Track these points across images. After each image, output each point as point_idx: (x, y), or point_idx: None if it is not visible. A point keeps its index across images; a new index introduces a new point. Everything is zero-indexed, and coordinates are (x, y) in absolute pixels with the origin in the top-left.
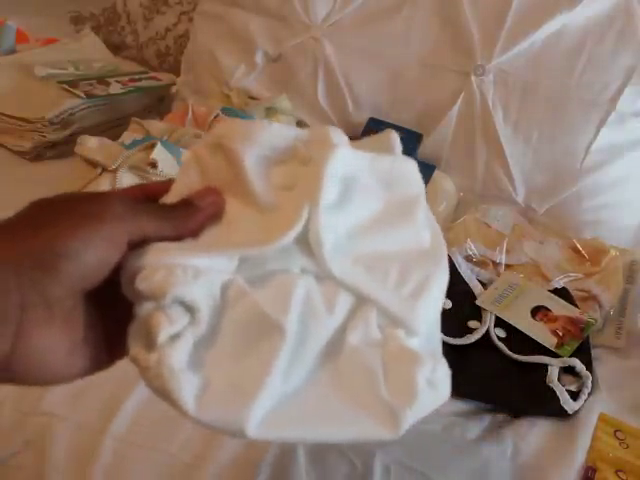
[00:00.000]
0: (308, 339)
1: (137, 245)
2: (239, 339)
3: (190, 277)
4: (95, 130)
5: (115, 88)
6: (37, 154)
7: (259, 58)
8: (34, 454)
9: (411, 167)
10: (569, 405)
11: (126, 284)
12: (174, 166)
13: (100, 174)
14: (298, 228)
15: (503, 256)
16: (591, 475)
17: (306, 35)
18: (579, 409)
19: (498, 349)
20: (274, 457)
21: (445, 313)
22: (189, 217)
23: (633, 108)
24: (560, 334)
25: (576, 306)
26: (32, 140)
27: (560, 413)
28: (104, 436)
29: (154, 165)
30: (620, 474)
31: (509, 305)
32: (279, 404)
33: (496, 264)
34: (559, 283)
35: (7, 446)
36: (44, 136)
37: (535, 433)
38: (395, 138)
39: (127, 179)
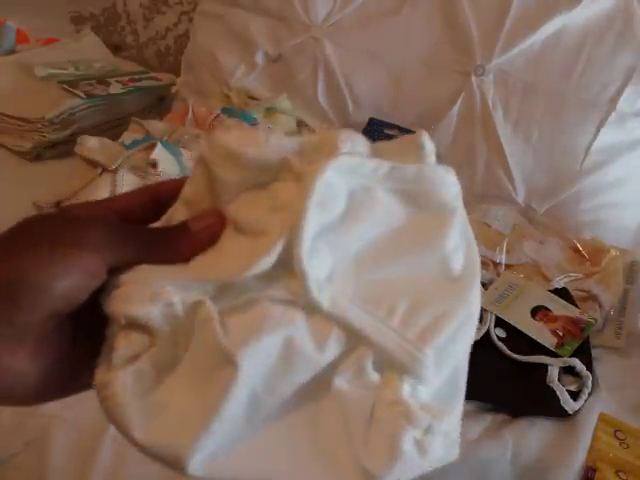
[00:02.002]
0: (283, 377)
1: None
2: (198, 368)
3: (148, 298)
4: (95, 130)
5: (115, 88)
6: (37, 154)
7: (259, 58)
8: (34, 455)
9: (444, 176)
10: (569, 405)
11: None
12: (174, 166)
13: (100, 174)
14: (269, 259)
15: (503, 256)
16: (591, 475)
17: (306, 35)
18: (579, 409)
19: (498, 349)
20: None
21: None
22: (180, 244)
23: (633, 108)
24: (560, 334)
25: (576, 306)
26: (32, 140)
27: (560, 413)
28: (104, 436)
29: (154, 165)
30: (620, 474)
31: (509, 305)
32: (239, 442)
33: (496, 264)
34: (559, 283)
35: (7, 447)
36: (44, 136)
37: (535, 433)
38: (425, 140)
39: (127, 179)
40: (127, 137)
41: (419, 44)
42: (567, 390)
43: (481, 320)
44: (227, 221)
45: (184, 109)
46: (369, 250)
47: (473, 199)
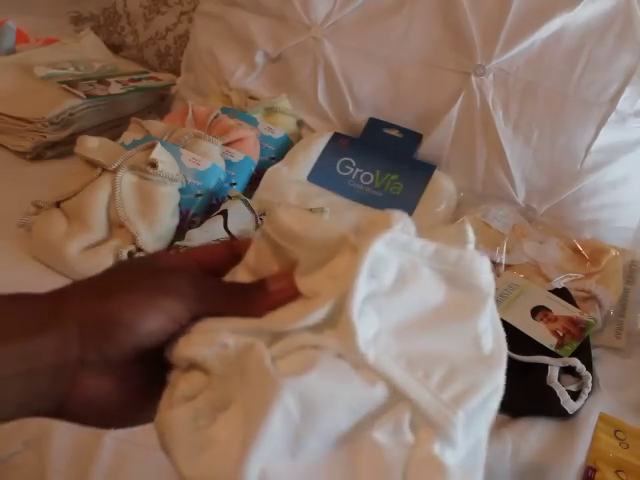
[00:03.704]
0: (325, 418)
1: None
2: (249, 406)
3: (205, 341)
4: (95, 130)
5: (115, 88)
6: (37, 154)
7: (259, 58)
8: (34, 454)
9: (481, 264)
10: (569, 405)
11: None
12: (174, 166)
13: (100, 174)
14: (320, 313)
15: (503, 256)
16: (591, 475)
17: (306, 35)
18: (579, 409)
19: None
20: None
21: None
22: (258, 301)
23: (633, 108)
24: (560, 334)
25: (576, 306)
26: (32, 140)
27: (560, 413)
28: (104, 436)
29: (154, 165)
30: (620, 474)
31: (509, 305)
32: (282, 476)
33: (496, 264)
34: (559, 283)
35: (7, 446)
36: (44, 136)
37: (535, 433)
38: (468, 230)
39: (127, 179)
40: (127, 137)
41: (419, 44)
42: (567, 390)
43: None
44: None
45: (184, 109)
46: (411, 319)
47: (473, 199)
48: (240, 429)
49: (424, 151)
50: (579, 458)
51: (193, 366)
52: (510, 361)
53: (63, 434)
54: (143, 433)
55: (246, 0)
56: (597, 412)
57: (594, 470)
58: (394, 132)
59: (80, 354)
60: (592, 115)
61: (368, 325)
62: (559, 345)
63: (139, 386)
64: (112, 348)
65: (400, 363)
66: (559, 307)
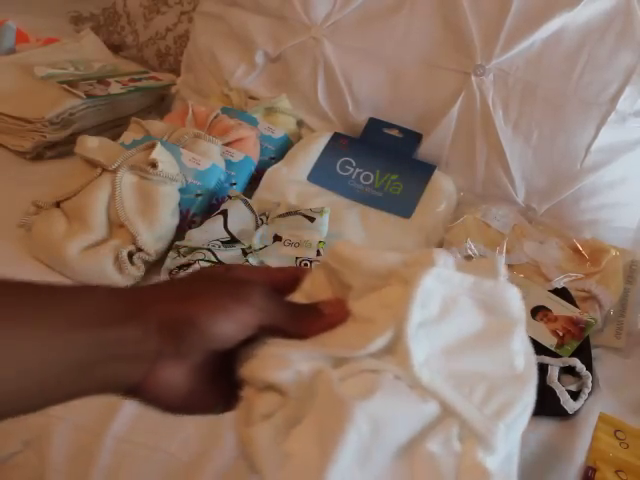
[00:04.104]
0: (388, 433)
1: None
2: (318, 424)
3: (281, 366)
4: (95, 130)
5: (115, 88)
6: (37, 154)
7: (259, 58)
8: (34, 454)
9: (513, 294)
10: (569, 405)
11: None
12: (174, 166)
13: (100, 174)
14: (381, 341)
15: (503, 256)
16: (591, 475)
17: (306, 35)
18: (579, 409)
19: None
20: None
21: None
22: (313, 322)
23: (633, 108)
24: (560, 334)
25: (576, 306)
26: (32, 140)
27: (560, 413)
28: (104, 436)
29: (154, 165)
30: (620, 474)
31: None
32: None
33: None
34: (559, 283)
35: (7, 446)
36: (44, 136)
37: (535, 433)
38: (500, 263)
39: (127, 179)
40: (127, 137)
41: (419, 44)
42: (567, 390)
43: None
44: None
45: (184, 109)
46: (455, 343)
47: (473, 199)
48: (313, 444)
49: (424, 151)
50: (579, 458)
51: (269, 387)
52: None
53: (63, 434)
54: (143, 433)
55: (246, 0)
56: (597, 412)
57: (594, 470)
58: (394, 132)
59: (158, 347)
60: (592, 115)
61: (421, 350)
62: (559, 345)
63: (204, 380)
64: (186, 347)
65: (449, 383)
66: (559, 307)
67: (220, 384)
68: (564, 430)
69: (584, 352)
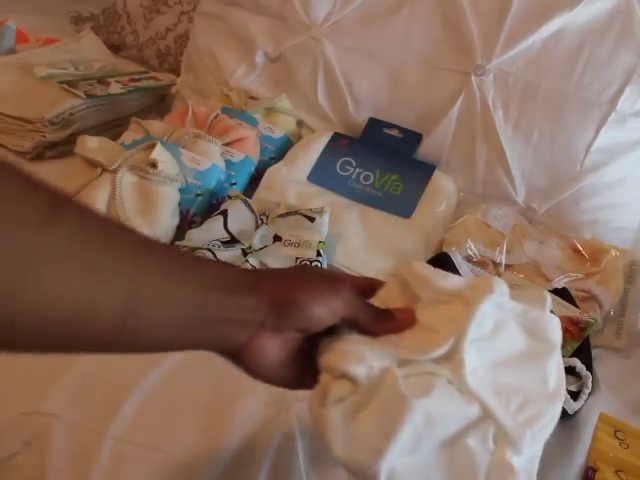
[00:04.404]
0: (438, 424)
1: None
2: (381, 411)
3: (356, 360)
4: (95, 130)
5: (115, 88)
6: (37, 154)
7: (259, 58)
8: (34, 454)
9: (554, 324)
10: (569, 405)
11: (319, 353)
12: (174, 166)
13: (100, 174)
14: (443, 350)
15: (503, 256)
16: (591, 475)
17: (306, 35)
18: (579, 409)
19: None
20: (274, 458)
21: None
22: (386, 323)
23: (633, 108)
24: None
25: (576, 306)
26: (32, 140)
27: (560, 413)
28: (104, 436)
29: (154, 165)
30: (620, 474)
31: None
32: (404, 465)
33: (496, 264)
34: (559, 283)
35: (7, 446)
36: (44, 136)
37: None
38: (547, 297)
39: (127, 179)
40: (127, 137)
41: (419, 44)
42: (567, 390)
43: None
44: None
45: (184, 109)
46: (500, 359)
47: (473, 199)
48: (375, 428)
49: (424, 151)
50: (579, 458)
51: (343, 376)
52: None
53: (63, 434)
54: (143, 433)
55: (246, 0)
56: (597, 412)
57: (594, 470)
58: (394, 132)
59: (263, 319)
60: (592, 115)
61: (472, 361)
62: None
63: (290, 356)
64: (285, 322)
65: (491, 391)
66: (559, 307)
67: (301, 364)
68: (564, 430)
69: (584, 352)
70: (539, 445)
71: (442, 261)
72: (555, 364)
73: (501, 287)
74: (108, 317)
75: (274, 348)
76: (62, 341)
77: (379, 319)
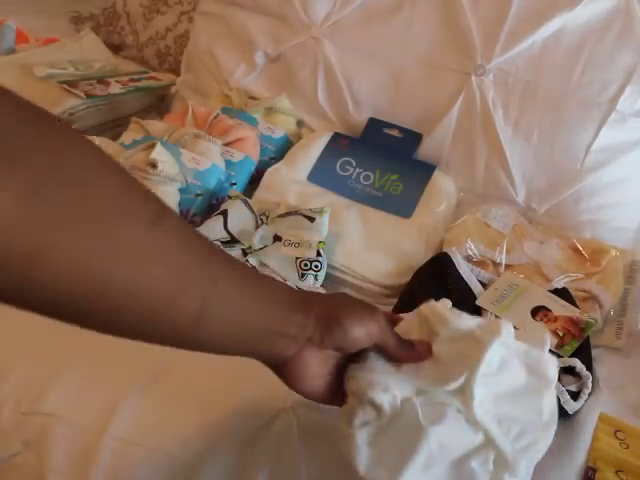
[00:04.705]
0: (448, 448)
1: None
2: (399, 435)
3: (382, 389)
4: (95, 130)
5: (115, 88)
6: None
7: (259, 58)
8: (34, 454)
9: (552, 363)
10: (569, 405)
11: (347, 376)
12: (174, 166)
13: None
14: (457, 383)
15: (503, 256)
16: (591, 475)
17: (306, 35)
18: (579, 409)
19: None
20: (274, 458)
21: None
22: (410, 352)
23: (633, 108)
24: (560, 334)
25: (576, 306)
26: None
27: (560, 413)
28: (104, 436)
29: (154, 165)
30: (620, 474)
31: (509, 305)
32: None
33: (496, 264)
34: (559, 283)
35: (7, 446)
36: None
37: None
38: (547, 338)
39: None
40: (127, 137)
41: (419, 44)
42: (567, 390)
43: None
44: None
45: (184, 109)
46: (502, 392)
47: (473, 199)
48: (395, 452)
49: (424, 151)
50: (579, 458)
51: (369, 402)
52: None
53: (63, 434)
54: (143, 433)
55: (246, 0)
56: (597, 412)
57: (594, 470)
58: (394, 132)
59: (311, 335)
60: (592, 115)
61: (479, 393)
62: (559, 345)
63: (327, 373)
64: (329, 339)
65: (494, 421)
66: (559, 307)
67: (334, 382)
68: (564, 430)
69: (584, 352)
70: (531, 466)
71: (442, 261)
72: (550, 398)
73: (508, 329)
74: (185, 314)
75: (315, 363)
76: (142, 329)
77: (404, 348)
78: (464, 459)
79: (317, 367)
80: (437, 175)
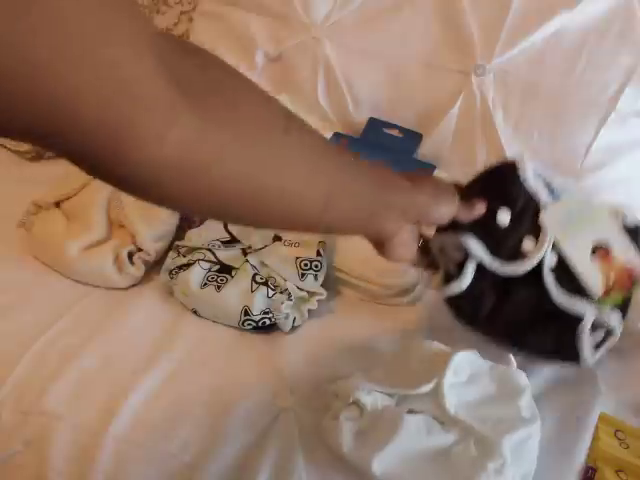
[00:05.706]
0: (426, 440)
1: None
2: (383, 425)
3: (366, 392)
4: None
5: None
6: (37, 154)
7: (259, 58)
8: (34, 454)
9: (519, 375)
10: (588, 359)
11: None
12: None
13: None
14: (428, 387)
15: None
16: (591, 475)
17: (306, 35)
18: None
19: (543, 284)
20: (274, 458)
21: (501, 232)
22: (471, 213)
23: (633, 108)
24: (610, 283)
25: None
26: None
27: (577, 362)
28: (104, 436)
29: None
30: (620, 474)
31: (572, 233)
32: (399, 469)
33: None
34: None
35: (7, 446)
36: None
37: None
38: (512, 358)
39: None
40: None
41: (419, 44)
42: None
43: (538, 240)
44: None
45: None
46: (475, 401)
47: None
48: (376, 435)
49: (424, 151)
50: (579, 458)
51: (354, 402)
52: (550, 301)
53: (63, 434)
54: (143, 433)
55: (246, 0)
56: (597, 412)
57: (594, 470)
58: (394, 132)
59: (409, 217)
60: (592, 115)
61: (451, 400)
62: (605, 295)
63: (415, 243)
64: (423, 220)
65: (469, 415)
66: (622, 248)
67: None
68: (564, 430)
69: (623, 309)
70: (527, 464)
71: (506, 168)
72: (527, 400)
73: (472, 352)
74: (313, 205)
75: (408, 237)
76: (278, 218)
77: (469, 211)
78: (447, 449)
79: (409, 240)
80: (437, 175)
